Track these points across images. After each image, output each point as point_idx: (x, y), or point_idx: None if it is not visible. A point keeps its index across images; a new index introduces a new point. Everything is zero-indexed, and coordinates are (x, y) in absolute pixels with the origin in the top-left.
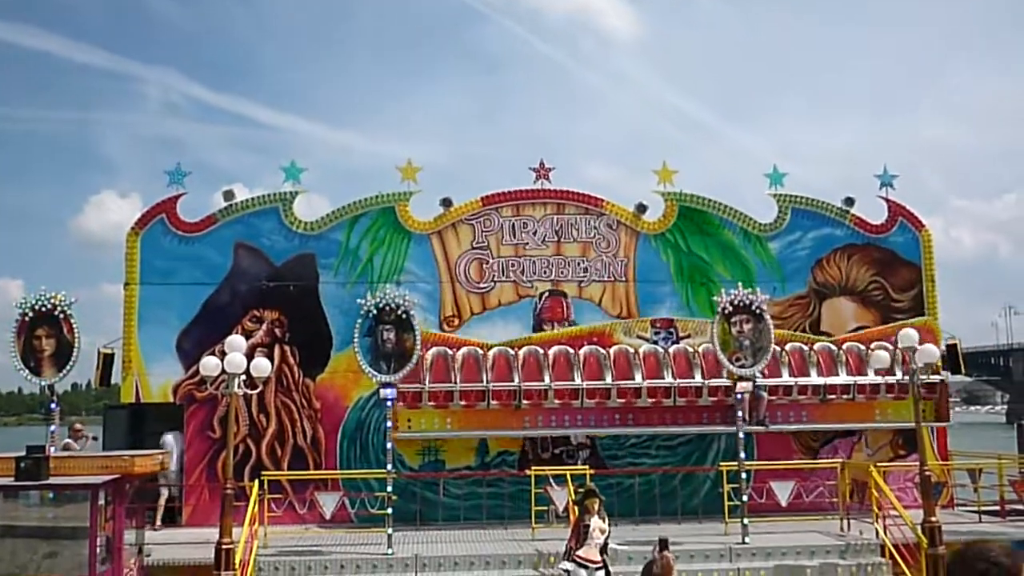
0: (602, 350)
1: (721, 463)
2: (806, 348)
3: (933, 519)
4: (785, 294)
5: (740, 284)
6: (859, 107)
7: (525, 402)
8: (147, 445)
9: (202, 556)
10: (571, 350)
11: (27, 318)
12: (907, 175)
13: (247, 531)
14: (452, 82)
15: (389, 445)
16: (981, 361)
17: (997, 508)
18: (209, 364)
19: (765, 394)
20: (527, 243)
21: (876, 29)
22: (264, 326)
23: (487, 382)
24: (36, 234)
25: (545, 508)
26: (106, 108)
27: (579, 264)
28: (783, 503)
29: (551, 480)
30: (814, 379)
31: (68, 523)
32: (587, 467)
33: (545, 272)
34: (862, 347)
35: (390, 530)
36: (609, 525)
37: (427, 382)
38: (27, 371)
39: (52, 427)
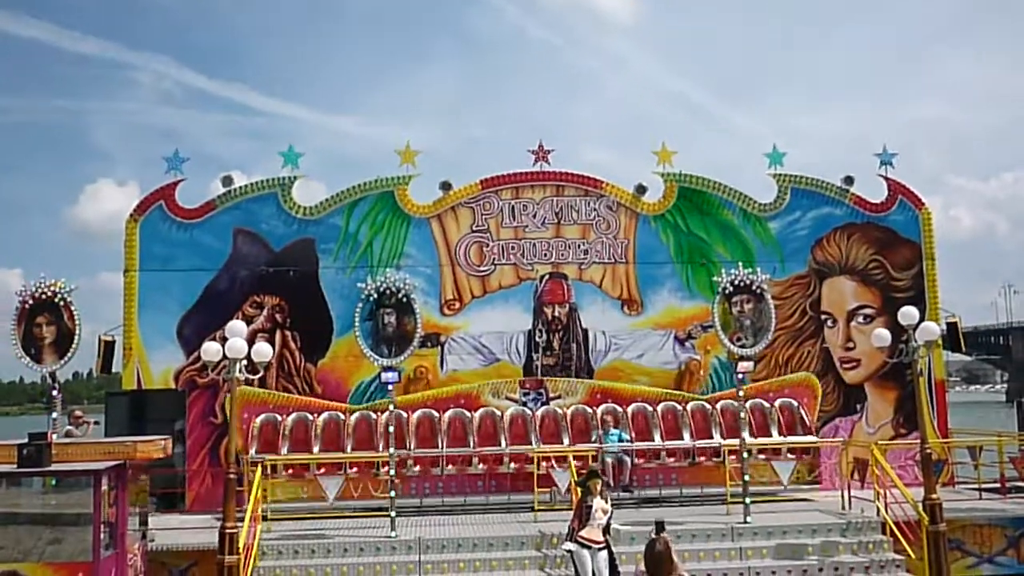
0: (467, 413)
1: (723, 442)
2: (679, 407)
3: (934, 496)
4: (785, 274)
5: (740, 264)
6: (858, 88)
7: (383, 470)
8: (149, 431)
9: (206, 541)
10: (436, 414)
11: (27, 306)
12: (905, 155)
13: (250, 515)
14: (448, 65)
15: (391, 428)
16: (981, 340)
17: (997, 485)
18: (210, 350)
19: (628, 459)
20: (527, 226)
21: (875, 13)
22: (265, 311)
23: (347, 449)
24: (33, 224)
25: (548, 489)
26: (100, 97)
27: (579, 246)
28: (785, 482)
29: (554, 462)
30: (684, 441)
31: (71, 509)
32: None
33: (545, 255)
34: (734, 404)
35: (393, 513)
36: (611, 506)
37: (285, 449)
38: (28, 359)
39: (54, 414)
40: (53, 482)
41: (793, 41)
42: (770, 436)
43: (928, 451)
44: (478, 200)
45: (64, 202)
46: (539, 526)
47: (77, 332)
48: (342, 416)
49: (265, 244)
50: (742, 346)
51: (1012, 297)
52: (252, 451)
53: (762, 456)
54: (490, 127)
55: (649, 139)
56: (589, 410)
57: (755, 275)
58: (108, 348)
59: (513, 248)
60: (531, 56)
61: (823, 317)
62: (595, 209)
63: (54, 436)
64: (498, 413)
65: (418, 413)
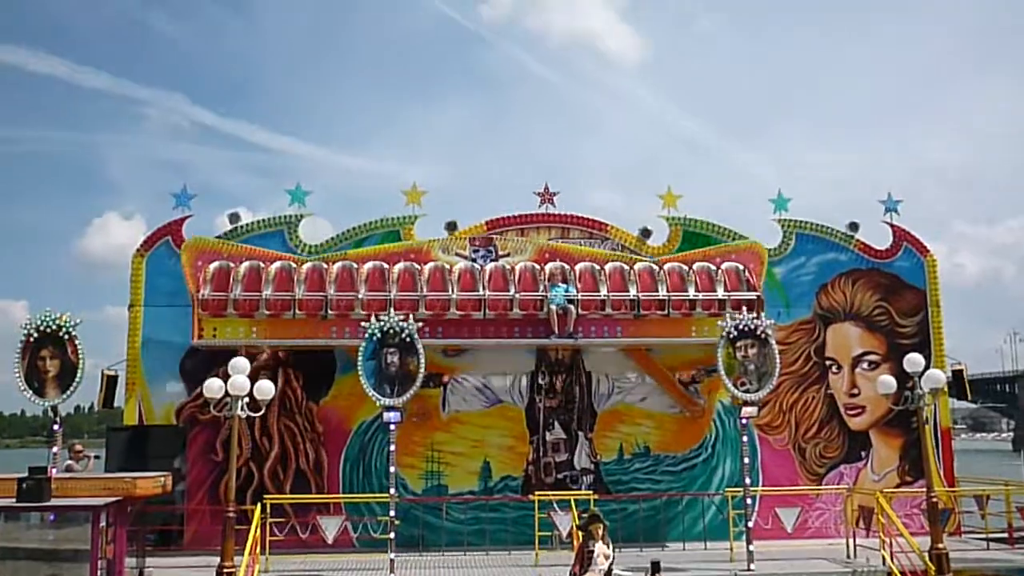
0: (417, 266)
1: (726, 488)
2: (626, 267)
3: (940, 546)
4: (790, 319)
5: (744, 308)
6: (862, 128)
7: (331, 313)
8: (150, 467)
9: None
10: (386, 265)
11: (32, 339)
12: (910, 198)
13: (248, 555)
14: (455, 105)
15: (392, 469)
16: (986, 387)
17: (1005, 535)
18: (212, 386)
19: (572, 307)
20: None
21: (879, 50)
22: (268, 349)
23: (296, 293)
24: (40, 255)
25: (549, 533)
26: (109, 130)
27: None
28: (789, 529)
29: (555, 505)
30: (630, 294)
31: (69, 545)
32: (591, 492)
33: None
34: (684, 267)
35: (392, 555)
36: (613, 550)
37: (236, 291)
38: (31, 392)
39: (54, 448)
40: (51, 517)
41: (799, 81)
42: (714, 292)
43: (934, 499)
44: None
45: (72, 235)
46: (539, 570)
47: (80, 366)
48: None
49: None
50: (746, 391)
51: (1017, 344)
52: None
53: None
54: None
55: (655, 180)
56: (537, 267)
57: (760, 320)
58: (111, 383)
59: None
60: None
61: (828, 363)
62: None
63: (54, 471)
64: (446, 267)
65: (368, 264)
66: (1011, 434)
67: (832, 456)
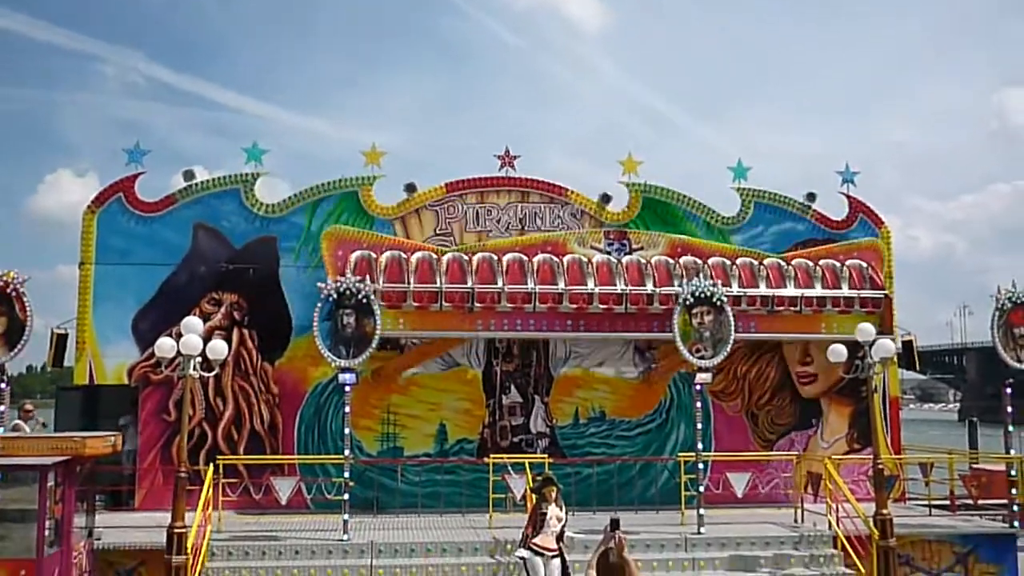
0: (555, 258)
1: (679, 453)
2: (755, 262)
3: (885, 512)
4: None
5: (701, 276)
6: (823, 108)
7: (478, 305)
8: (101, 428)
9: (154, 540)
10: (525, 257)
11: None
12: (867, 174)
13: (200, 515)
14: (419, 71)
15: (347, 431)
16: (936, 359)
17: (947, 502)
18: (164, 345)
19: None
20: (491, 230)
21: (843, 34)
22: (223, 309)
23: (441, 284)
24: None
25: (503, 496)
26: (64, 88)
27: None
28: (739, 494)
29: (509, 468)
30: (761, 289)
31: (16, 505)
32: (546, 456)
33: None
34: (810, 263)
35: (346, 516)
36: (566, 513)
37: (380, 282)
38: None
39: (1, 407)
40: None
41: (763, 59)
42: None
43: (880, 467)
44: (442, 203)
45: (22, 192)
46: (493, 532)
47: (29, 324)
48: (434, 256)
49: (225, 241)
50: (701, 357)
51: (967, 318)
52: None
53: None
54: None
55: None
56: (671, 261)
57: (716, 287)
58: (60, 341)
59: None
60: (502, 64)
61: None
62: (559, 217)
63: (0, 429)
64: (583, 259)
65: (508, 256)
66: (958, 405)
67: (784, 423)
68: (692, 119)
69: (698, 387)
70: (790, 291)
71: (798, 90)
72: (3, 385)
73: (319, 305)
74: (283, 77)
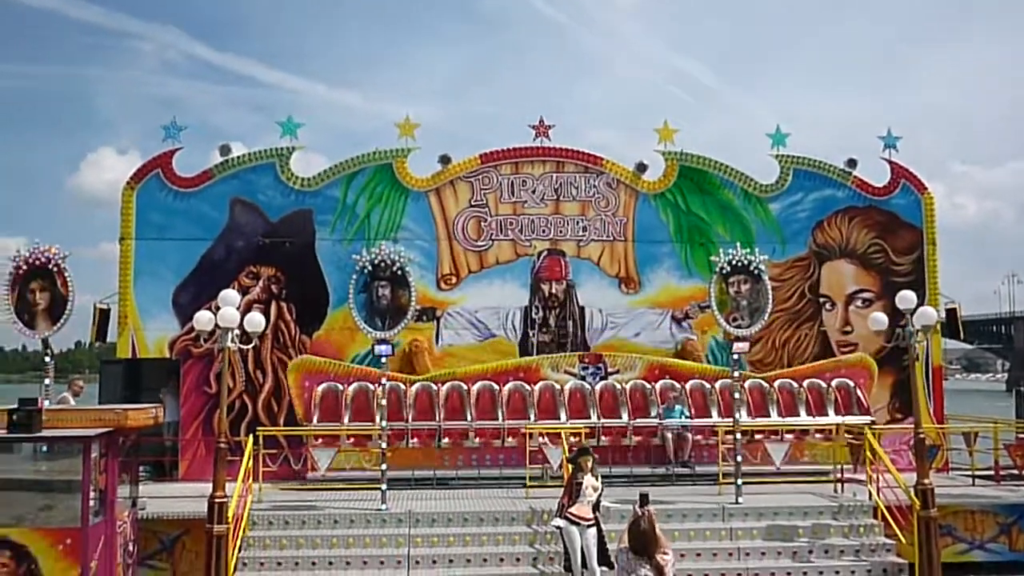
0: (527, 386)
1: (716, 422)
2: (737, 386)
3: (926, 482)
4: (785, 256)
5: (739, 245)
6: (863, 72)
7: (445, 441)
8: (143, 400)
9: (196, 510)
10: (495, 386)
11: (21, 271)
12: (909, 139)
13: (240, 485)
14: (452, 43)
15: (383, 402)
16: (982, 329)
17: (991, 472)
18: (203, 319)
19: (690, 435)
20: (526, 201)
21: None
22: (260, 282)
23: (408, 419)
24: (35, 192)
25: (540, 466)
26: (103, 65)
27: (578, 223)
28: (778, 464)
29: (546, 439)
30: (742, 419)
31: (62, 476)
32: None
33: (544, 231)
34: (794, 384)
35: (384, 486)
36: (601, 483)
37: (346, 420)
38: (21, 324)
39: (46, 380)
40: (43, 448)
41: (801, 22)
42: (826, 415)
43: (922, 436)
44: (477, 175)
45: (66, 171)
46: (530, 502)
47: (70, 299)
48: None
49: (262, 214)
50: (738, 327)
51: (1015, 286)
52: (314, 420)
53: (819, 435)
54: (492, 104)
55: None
56: (648, 385)
57: (753, 256)
58: (103, 316)
59: (511, 224)
60: (536, 35)
61: (822, 300)
62: (595, 186)
63: (46, 402)
64: (556, 386)
65: (478, 385)
66: (1005, 375)
67: None
68: (729, 86)
69: (736, 356)
70: (774, 419)
71: (838, 53)
72: (48, 359)
73: (354, 277)
74: (316, 51)
